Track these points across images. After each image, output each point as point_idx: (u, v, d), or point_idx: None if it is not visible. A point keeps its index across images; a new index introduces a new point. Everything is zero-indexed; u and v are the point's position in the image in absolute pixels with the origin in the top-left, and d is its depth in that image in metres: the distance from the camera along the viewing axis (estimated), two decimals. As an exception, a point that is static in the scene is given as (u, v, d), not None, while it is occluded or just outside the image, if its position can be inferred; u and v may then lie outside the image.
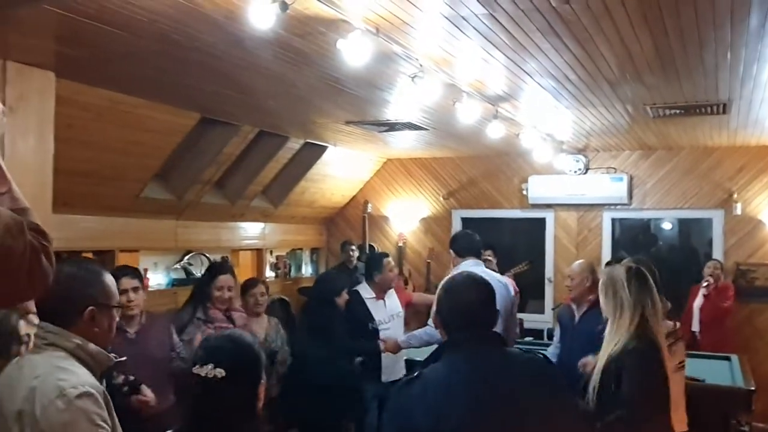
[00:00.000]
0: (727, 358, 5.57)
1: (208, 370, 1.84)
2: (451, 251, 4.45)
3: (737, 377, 5.02)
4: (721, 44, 3.47)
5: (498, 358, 2.16)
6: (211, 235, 6.69)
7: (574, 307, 4.52)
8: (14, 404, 1.81)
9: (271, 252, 7.74)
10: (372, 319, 4.89)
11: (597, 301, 4.32)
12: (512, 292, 4.48)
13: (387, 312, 5.02)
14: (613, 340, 2.94)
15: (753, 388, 4.74)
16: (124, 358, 2.17)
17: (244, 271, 7.27)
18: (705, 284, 6.30)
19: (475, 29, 3.24)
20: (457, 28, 3.22)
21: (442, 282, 2.39)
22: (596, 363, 3.44)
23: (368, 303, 4.95)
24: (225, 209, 6.69)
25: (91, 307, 1.97)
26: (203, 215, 6.45)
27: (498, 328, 4.40)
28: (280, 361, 4.64)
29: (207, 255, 6.70)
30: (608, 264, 3.45)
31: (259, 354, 1.99)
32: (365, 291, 5.01)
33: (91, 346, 1.94)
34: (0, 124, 2.18)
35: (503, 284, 4.30)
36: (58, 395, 1.77)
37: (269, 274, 7.66)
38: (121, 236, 5.56)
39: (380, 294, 5.02)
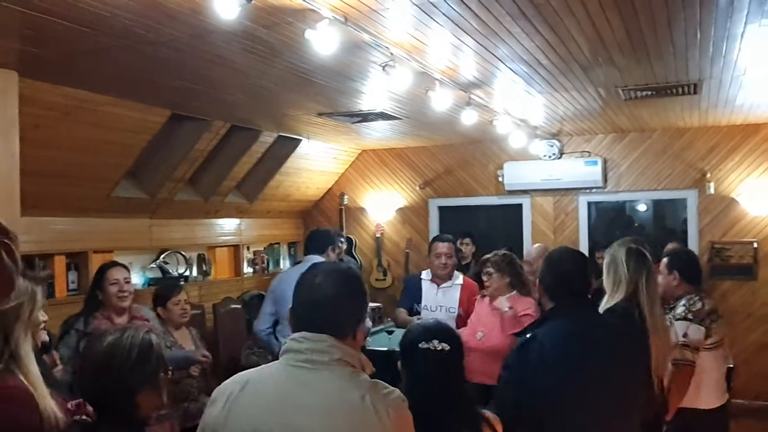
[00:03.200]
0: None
1: (436, 344, 2.11)
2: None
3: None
4: (691, 23, 3.48)
5: (594, 321, 2.64)
6: (186, 232, 6.62)
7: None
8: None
9: (248, 248, 7.68)
10: (419, 300, 4.83)
11: None
12: None
13: (436, 301, 4.83)
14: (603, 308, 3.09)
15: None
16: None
17: (221, 267, 7.20)
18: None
19: (445, 15, 3.21)
20: (427, 14, 3.18)
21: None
22: None
23: (423, 284, 4.90)
24: (199, 206, 6.62)
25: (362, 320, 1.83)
26: (177, 213, 6.37)
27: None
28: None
29: (183, 253, 6.63)
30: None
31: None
32: (425, 272, 4.98)
33: (366, 358, 1.81)
34: None
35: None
36: (401, 407, 1.69)
37: (247, 270, 7.60)
38: (95, 237, 5.49)
39: (436, 279, 4.87)
